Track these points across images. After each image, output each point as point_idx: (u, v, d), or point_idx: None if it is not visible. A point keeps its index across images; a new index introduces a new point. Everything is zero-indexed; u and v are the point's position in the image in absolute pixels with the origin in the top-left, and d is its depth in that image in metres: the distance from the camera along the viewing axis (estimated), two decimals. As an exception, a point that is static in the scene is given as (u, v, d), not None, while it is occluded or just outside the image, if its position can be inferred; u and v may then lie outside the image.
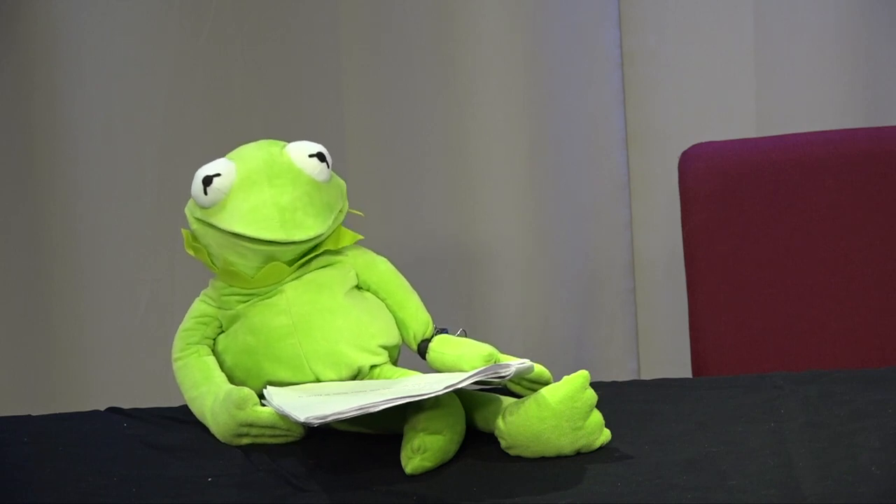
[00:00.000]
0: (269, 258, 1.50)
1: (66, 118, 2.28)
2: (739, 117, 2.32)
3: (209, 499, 1.34)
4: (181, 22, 2.27)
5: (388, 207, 2.35)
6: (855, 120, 2.28)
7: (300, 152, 1.53)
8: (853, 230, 1.96)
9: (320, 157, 1.53)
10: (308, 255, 1.52)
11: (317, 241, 1.51)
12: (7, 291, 2.34)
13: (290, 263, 1.51)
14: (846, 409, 1.42)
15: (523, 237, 2.32)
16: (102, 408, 1.61)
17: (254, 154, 1.53)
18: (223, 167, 1.51)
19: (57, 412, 1.62)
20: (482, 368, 1.38)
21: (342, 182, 1.57)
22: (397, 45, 2.31)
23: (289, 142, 1.56)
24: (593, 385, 1.39)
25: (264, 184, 1.50)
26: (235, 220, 1.49)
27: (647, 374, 2.41)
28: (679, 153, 2.00)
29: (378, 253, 1.60)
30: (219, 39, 2.29)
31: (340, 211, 1.55)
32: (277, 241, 1.48)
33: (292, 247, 1.50)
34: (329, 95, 2.33)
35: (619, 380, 1.60)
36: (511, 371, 1.37)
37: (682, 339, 2.03)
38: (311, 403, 1.40)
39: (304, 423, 1.32)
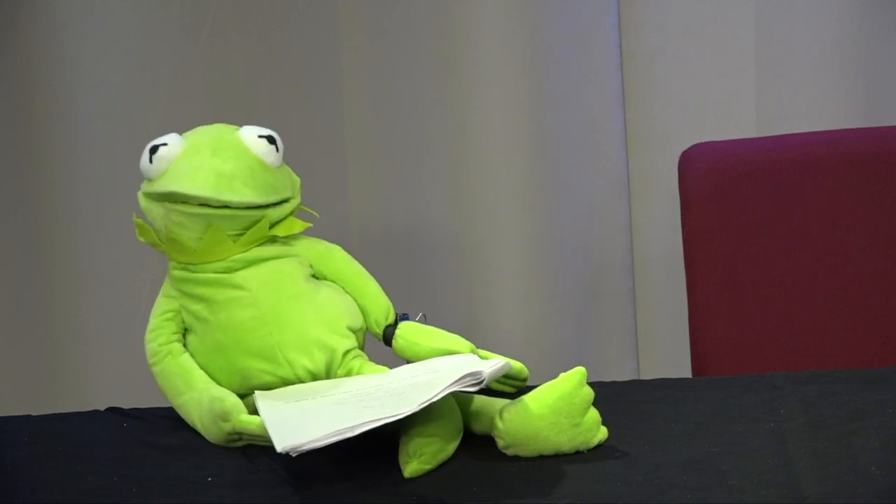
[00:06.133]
0: (208, 226, 1.50)
1: (65, 118, 2.28)
2: (739, 117, 2.32)
3: (209, 499, 1.34)
4: (181, 22, 2.28)
5: (387, 207, 2.35)
6: (855, 120, 2.28)
7: (250, 132, 1.53)
8: (853, 230, 1.96)
9: (270, 139, 1.53)
10: (252, 232, 1.51)
11: (250, 208, 1.49)
12: (7, 291, 2.34)
13: (235, 239, 1.51)
14: (846, 409, 1.43)
15: (523, 237, 2.32)
16: (102, 408, 1.61)
17: (204, 130, 1.55)
18: (171, 139, 1.52)
19: (57, 412, 1.62)
20: (458, 378, 1.35)
21: (296, 177, 1.57)
22: (397, 45, 2.31)
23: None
24: (593, 385, 1.39)
25: (207, 153, 1.51)
26: (173, 181, 1.49)
27: (647, 374, 2.41)
28: (679, 153, 2.00)
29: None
30: (219, 39, 2.29)
31: (288, 200, 1.54)
32: (207, 198, 1.48)
33: (226, 212, 1.49)
34: (329, 95, 2.33)
35: (619, 380, 1.60)
36: (484, 377, 1.34)
37: (682, 339, 2.03)
38: (294, 417, 1.38)
39: (280, 451, 1.29)
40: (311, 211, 1.59)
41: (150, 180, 1.52)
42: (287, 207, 1.54)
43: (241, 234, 1.51)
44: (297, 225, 1.55)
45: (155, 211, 1.52)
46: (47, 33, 2.25)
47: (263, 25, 2.30)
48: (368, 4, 2.30)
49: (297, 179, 1.57)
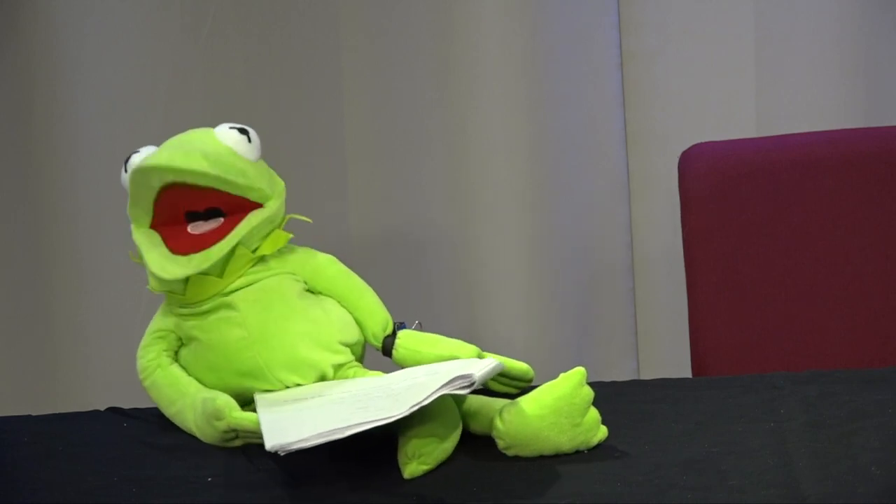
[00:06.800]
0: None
1: (66, 117, 2.28)
2: (739, 117, 2.32)
3: (209, 499, 1.34)
4: (181, 22, 2.28)
5: (387, 207, 2.35)
6: (855, 120, 2.28)
7: (222, 126, 1.53)
8: (853, 230, 1.96)
9: (242, 130, 1.52)
10: (234, 262, 1.50)
11: (200, 177, 1.47)
12: (7, 291, 2.34)
13: (220, 274, 1.51)
14: (846, 409, 1.42)
15: (523, 237, 2.32)
16: (102, 408, 1.61)
17: (177, 135, 1.54)
18: (144, 149, 1.53)
19: (57, 412, 1.62)
20: (448, 381, 1.34)
21: (279, 181, 1.55)
22: (397, 45, 2.31)
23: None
24: (593, 385, 1.39)
25: (172, 144, 1.51)
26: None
27: (647, 374, 2.41)
28: (679, 153, 1.99)
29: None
30: (219, 39, 2.29)
31: (267, 200, 1.51)
32: (156, 166, 1.47)
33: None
34: (329, 95, 2.33)
35: (619, 380, 1.60)
36: (474, 379, 1.33)
37: (682, 339, 2.03)
38: (289, 416, 1.38)
39: (269, 450, 1.29)
40: (303, 218, 1.57)
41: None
42: (265, 216, 1.51)
43: (224, 266, 1.51)
44: (283, 238, 1.53)
45: (135, 233, 1.53)
46: (47, 33, 2.25)
47: (263, 25, 2.30)
48: (368, 4, 2.30)
49: (281, 183, 1.55)
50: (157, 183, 1.48)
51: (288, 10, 2.30)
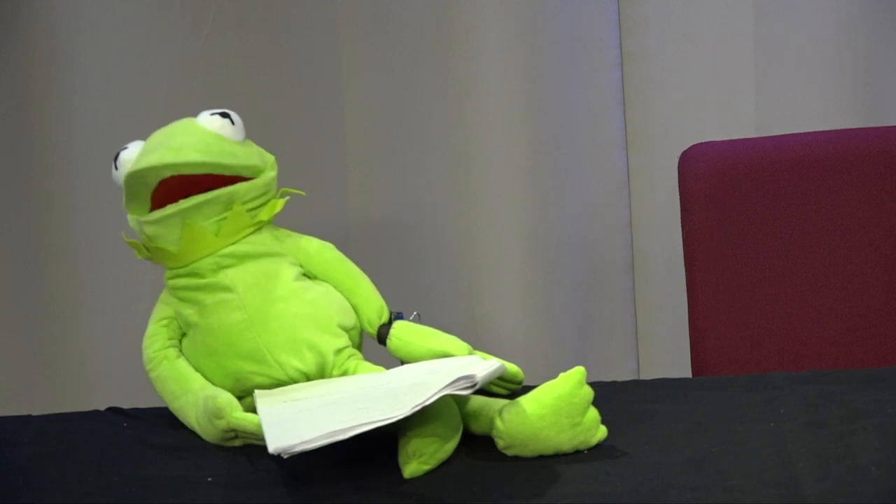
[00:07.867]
0: (182, 225, 1.50)
1: (66, 118, 2.28)
2: (739, 117, 2.32)
3: (209, 499, 1.34)
4: (182, 22, 2.28)
5: (388, 207, 2.35)
6: (855, 120, 2.28)
7: (204, 114, 1.55)
8: (853, 230, 1.96)
9: (223, 114, 1.54)
10: (230, 219, 1.51)
11: (194, 167, 1.49)
12: (7, 291, 2.34)
13: (216, 232, 1.51)
14: (846, 409, 1.43)
15: (523, 237, 2.32)
16: (102, 408, 1.61)
17: (163, 127, 1.55)
18: (132, 144, 1.54)
19: (57, 412, 1.62)
20: (451, 381, 1.34)
21: (269, 155, 1.57)
22: (397, 45, 2.31)
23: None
24: (593, 385, 1.39)
25: (160, 140, 1.52)
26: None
27: (647, 374, 2.41)
28: (679, 153, 2.00)
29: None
30: (219, 39, 2.29)
31: (259, 174, 1.53)
32: (151, 166, 1.48)
33: (188, 203, 1.49)
34: (329, 95, 2.33)
35: (619, 380, 1.60)
36: (477, 380, 1.34)
37: (682, 339, 2.03)
38: (290, 417, 1.38)
39: (272, 452, 1.30)
40: (297, 191, 1.58)
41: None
42: (259, 184, 1.53)
43: (219, 225, 1.51)
44: (279, 204, 1.55)
45: (135, 226, 1.53)
46: (47, 33, 2.25)
47: (263, 26, 2.30)
48: (368, 4, 2.30)
49: (271, 157, 1.57)
50: (153, 181, 1.50)
51: (288, 10, 2.30)
